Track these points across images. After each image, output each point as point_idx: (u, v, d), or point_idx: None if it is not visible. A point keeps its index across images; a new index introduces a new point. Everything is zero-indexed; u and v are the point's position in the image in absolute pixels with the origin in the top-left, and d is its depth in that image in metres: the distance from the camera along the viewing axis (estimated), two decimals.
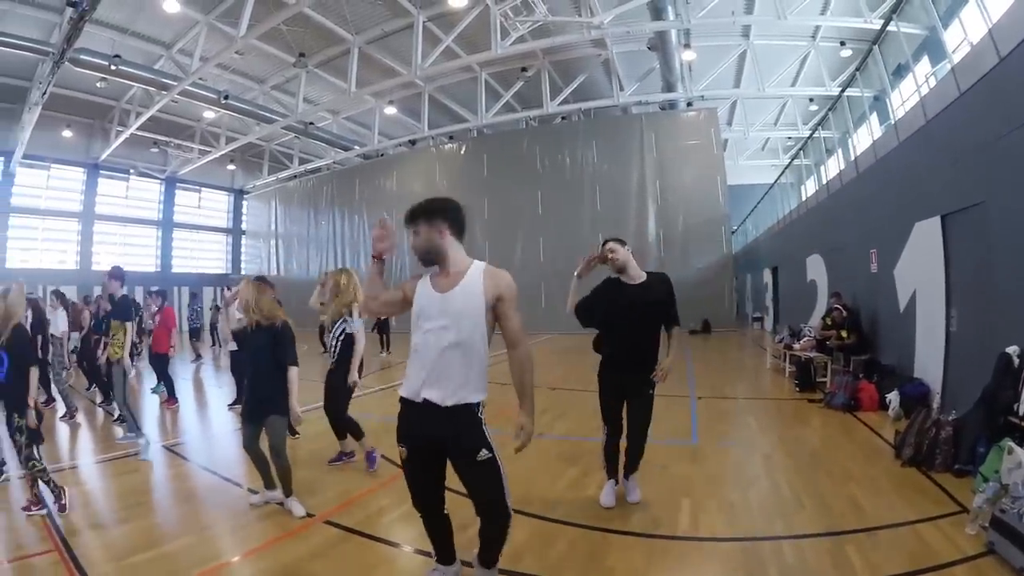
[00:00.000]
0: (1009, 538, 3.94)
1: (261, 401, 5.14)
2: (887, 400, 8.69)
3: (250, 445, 5.21)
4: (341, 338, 6.50)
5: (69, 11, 15.41)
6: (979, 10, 7.21)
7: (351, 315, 6.50)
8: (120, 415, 7.96)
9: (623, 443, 5.27)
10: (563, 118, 27.44)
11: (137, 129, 25.97)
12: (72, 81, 22.55)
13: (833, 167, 16.00)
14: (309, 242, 35.30)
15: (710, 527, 4.90)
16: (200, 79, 21.97)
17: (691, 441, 7.76)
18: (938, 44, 9.67)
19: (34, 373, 5.31)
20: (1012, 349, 5.84)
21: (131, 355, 7.76)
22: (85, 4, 14.55)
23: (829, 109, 16.68)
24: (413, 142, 29.81)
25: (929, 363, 8.45)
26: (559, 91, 24.78)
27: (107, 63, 19.62)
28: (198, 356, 17.11)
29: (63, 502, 5.12)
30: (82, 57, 18.89)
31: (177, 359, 11.20)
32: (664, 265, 24.19)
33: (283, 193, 37.14)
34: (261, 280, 5.60)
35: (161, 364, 10.44)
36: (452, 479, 3.43)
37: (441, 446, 3.35)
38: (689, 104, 25.14)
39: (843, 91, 14.31)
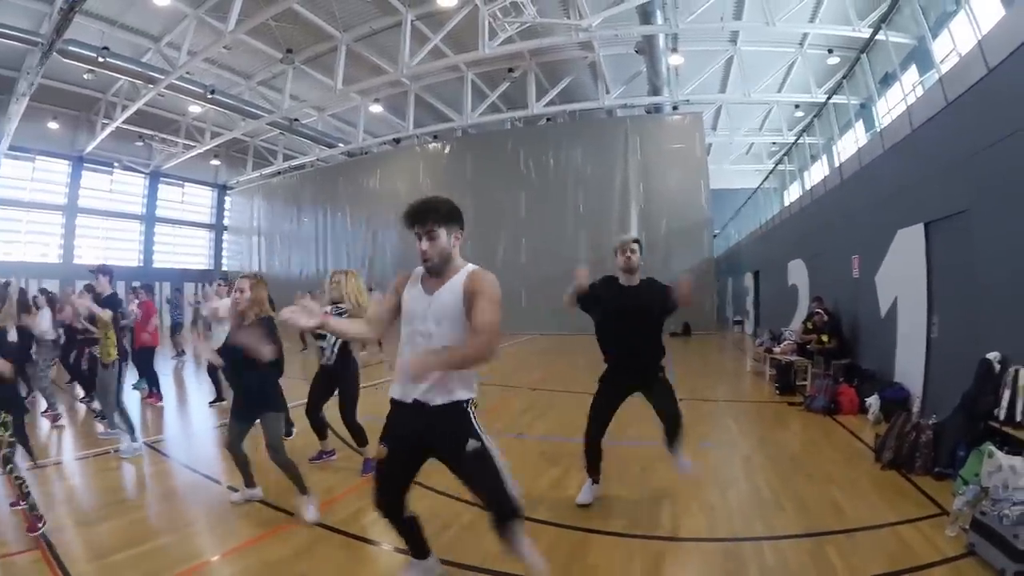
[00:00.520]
0: (989, 540, 4.00)
1: (254, 399, 5.05)
2: (867, 404, 8.74)
3: (234, 444, 5.12)
4: (339, 342, 6.35)
5: (60, 1, 15.27)
6: (969, 22, 7.28)
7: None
8: (100, 413, 7.84)
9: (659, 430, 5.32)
10: (548, 119, 27.51)
11: (123, 122, 25.76)
12: (59, 72, 22.40)
13: (817, 173, 16.09)
14: (291, 239, 35.19)
15: (691, 528, 4.93)
16: (187, 73, 21.86)
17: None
18: (926, 54, 9.75)
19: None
20: (993, 355, 5.93)
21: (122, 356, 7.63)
22: None
23: (815, 116, 16.79)
24: (398, 140, 29.76)
25: (909, 368, 8.51)
26: (545, 92, 24.86)
27: (95, 55, 19.49)
28: (180, 352, 16.87)
29: (39, 527, 4.69)
30: (71, 48, 18.77)
31: (159, 355, 10.99)
32: (646, 268, 24.10)
33: (266, 189, 36.94)
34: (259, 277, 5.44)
35: (145, 359, 10.24)
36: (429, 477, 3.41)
37: (429, 446, 3.30)
38: (675, 108, 25.29)
39: (829, 98, 14.40)
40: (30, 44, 18.32)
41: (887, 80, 12.74)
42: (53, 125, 27.56)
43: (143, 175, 34.37)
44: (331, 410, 6.45)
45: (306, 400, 6.53)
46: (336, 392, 6.41)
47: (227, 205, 40.11)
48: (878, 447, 6.66)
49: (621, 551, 4.46)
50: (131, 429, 7.12)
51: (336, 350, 6.35)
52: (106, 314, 7.23)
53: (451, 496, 5.14)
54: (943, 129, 7.63)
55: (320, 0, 19.68)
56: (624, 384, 5.21)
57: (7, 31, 17.71)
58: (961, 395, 6.12)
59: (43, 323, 9.91)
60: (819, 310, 11.40)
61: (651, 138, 25.81)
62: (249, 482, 5.29)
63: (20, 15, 18.39)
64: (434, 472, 3.44)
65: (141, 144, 31.03)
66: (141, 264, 34.57)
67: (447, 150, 29.62)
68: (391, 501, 3.45)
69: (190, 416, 10.02)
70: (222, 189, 39.59)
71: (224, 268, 38.19)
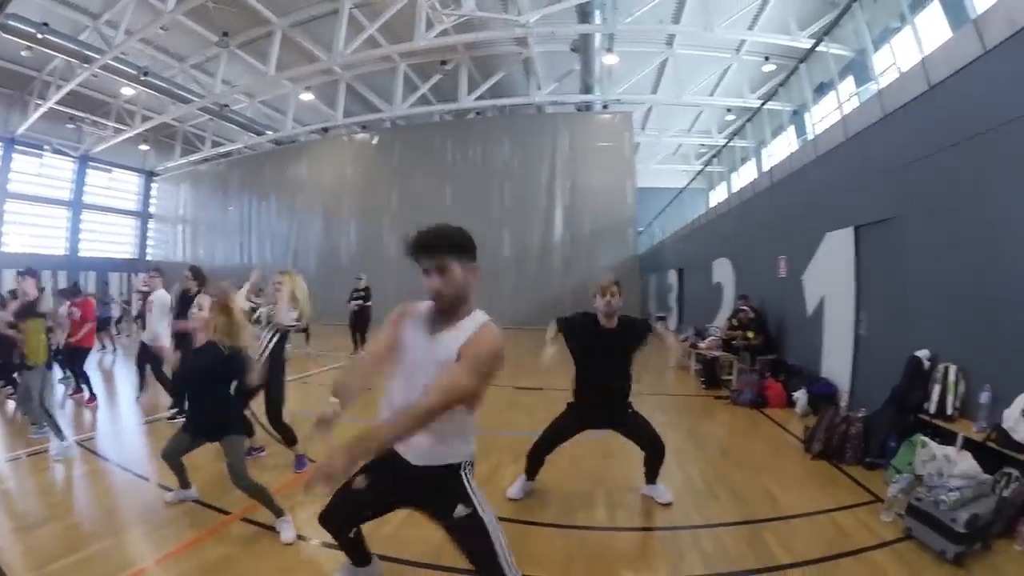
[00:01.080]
0: (927, 524, 4.25)
1: (214, 421, 4.73)
2: (794, 398, 9.01)
3: (171, 456, 4.84)
4: (270, 344, 6.12)
5: None
6: (915, 40, 7.63)
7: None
8: (31, 416, 7.56)
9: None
10: (477, 113, 27.37)
11: (56, 103, 24.46)
12: None
13: (746, 175, 16.43)
14: (217, 228, 33.97)
15: (627, 519, 5.03)
16: (122, 53, 20.83)
17: (599, 435, 7.89)
18: (863, 66, 10.06)
19: None
20: (922, 353, 6.29)
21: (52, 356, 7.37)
22: None
23: (748, 120, 17.14)
24: (326, 130, 29.20)
25: (836, 364, 8.82)
26: (476, 86, 24.67)
27: (35, 31, 18.43)
28: (102, 346, 16.19)
29: None
30: (10, 23, 17.72)
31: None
32: (570, 263, 24.90)
33: (193, 176, 35.56)
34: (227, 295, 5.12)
35: (79, 359, 9.67)
36: None
37: (412, 501, 3.03)
38: (605, 107, 25.54)
39: (764, 103, 14.71)
40: None
41: (822, 88, 13.16)
42: None
43: (73, 159, 32.41)
44: (258, 405, 6.21)
45: None
46: (262, 391, 6.08)
47: (154, 192, 38.36)
48: (807, 439, 6.89)
49: (561, 541, 4.51)
50: (58, 431, 6.75)
51: (270, 345, 6.11)
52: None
53: None
54: (878, 139, 7.90)
55: None
56: (591, 420, 5.24)
57: None
58: (891, 390, 6.48)
59: None
60: (745, 308, 11.65)
61: (580, 135, 25.96)
62: (184, 484, 5.09)
63: None
64: None
65: (72, 127, 29.28)
66: (67, 253, 32.70)
67: (375, 141, 29.22)
68: (341, 527, 3.18)
69: (120, 413, 9.51)
70: (149, 176, 37.67)
71: (149, 258, 36.57)
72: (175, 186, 36.68)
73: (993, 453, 4.84)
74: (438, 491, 2.86)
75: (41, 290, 7.61)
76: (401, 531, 4.38)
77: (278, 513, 4.54)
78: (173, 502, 5.08)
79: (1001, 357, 5.41)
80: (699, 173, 23.97)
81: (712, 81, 24.76)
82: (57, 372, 9.30)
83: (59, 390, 10.00)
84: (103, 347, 16.04)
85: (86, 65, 20.81)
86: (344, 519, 3.13)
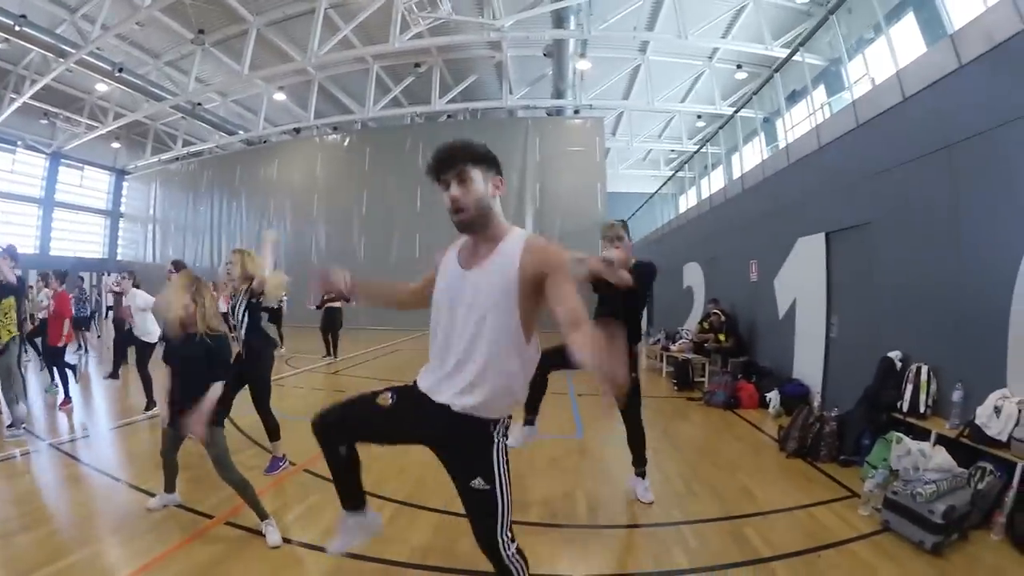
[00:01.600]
0: (904, 516, 4.39)
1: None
2: (767, 399, 9.17)
3: (169, 452, 4.80)
4: (245, 322, 5.93)
5: None
6: (890, 53, 7.82)
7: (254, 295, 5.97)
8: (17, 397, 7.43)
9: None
10: (449, 116, 27.32)
11: (30, 98, 24.03)
12: None
13: (717, 181, 16.58)
14: (186, 228, 33.52)
15: (609, 517, 5.04)
16: (98, 48, 20.66)
17: (576, 436, 7.91)
18: (836, 75, 10.24)
19: None
20: (894, 354, 6.49)
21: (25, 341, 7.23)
22: None
23: (720, 127, 17.25)
24: (297, 130, 29.02)
25: (808, 366, 9.01)
26: (448, 89, 24.83)
27: (13, 23, 18.17)
28: (78, 346, 15.63)
29: None
30: None
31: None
32: None
33: (164, 176, 35.04)
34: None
35: (56, 358, 9.39)
36: None
37: (437, 446, 2.71)
38: (576, 112, 25.81)
39: (737, 111, 14.84)
40: None
41: (794, 97, 13.40)
42: None
43: (44, 155, 31.82)
44: (239, 407, 5.90)
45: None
46: (247, 385, 5.89)
47: (124, 191, 37.71)
48: (782, 438, 7.04)
49: (544, 539, 4.51)
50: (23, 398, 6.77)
51: (244, 334, 5.93)
52: None
53: None
54: (851, 148, 8.07)
55: None
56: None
57: None
58: (864, 389, 6.65)
59: None
60: (716, 311, 11.83)
61: (551, 140, 26.20)
62: (170, 487, 4.98)
63: None
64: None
65: (45, 122, 28.76)
66: (37, 251, 31.87)
67: (346, 142, 29.11)
68: (335, 432, 2.79)
69: (97, 416, 9.15)
70: (120, 174, 37.01)
71: (119, 258, 36.09)
72: (146, 185, 36.18)
73: (966, 449, 5.00)
74: (462, 447, 2.59)
75: (18, 275, 7.51)
76: (385, 530, 4.30)
77: (262, 516, 4.44)
78: (156, 508, 4.93)
79: (971, 356, 5.59)
80: (670, 179, 24.16)
81: (684, 88, 25.09)
82: (45, 378, 9.17)
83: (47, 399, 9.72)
84: (79, 347, 15.71)
85: (61, 60, 20.56)
86: (343, 425, 2.79)
